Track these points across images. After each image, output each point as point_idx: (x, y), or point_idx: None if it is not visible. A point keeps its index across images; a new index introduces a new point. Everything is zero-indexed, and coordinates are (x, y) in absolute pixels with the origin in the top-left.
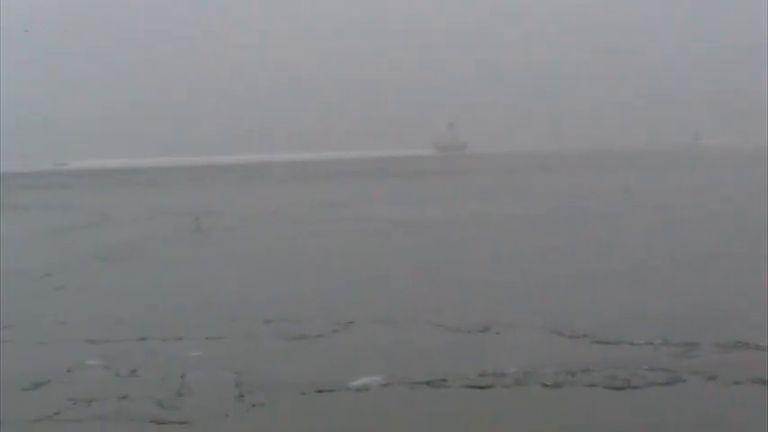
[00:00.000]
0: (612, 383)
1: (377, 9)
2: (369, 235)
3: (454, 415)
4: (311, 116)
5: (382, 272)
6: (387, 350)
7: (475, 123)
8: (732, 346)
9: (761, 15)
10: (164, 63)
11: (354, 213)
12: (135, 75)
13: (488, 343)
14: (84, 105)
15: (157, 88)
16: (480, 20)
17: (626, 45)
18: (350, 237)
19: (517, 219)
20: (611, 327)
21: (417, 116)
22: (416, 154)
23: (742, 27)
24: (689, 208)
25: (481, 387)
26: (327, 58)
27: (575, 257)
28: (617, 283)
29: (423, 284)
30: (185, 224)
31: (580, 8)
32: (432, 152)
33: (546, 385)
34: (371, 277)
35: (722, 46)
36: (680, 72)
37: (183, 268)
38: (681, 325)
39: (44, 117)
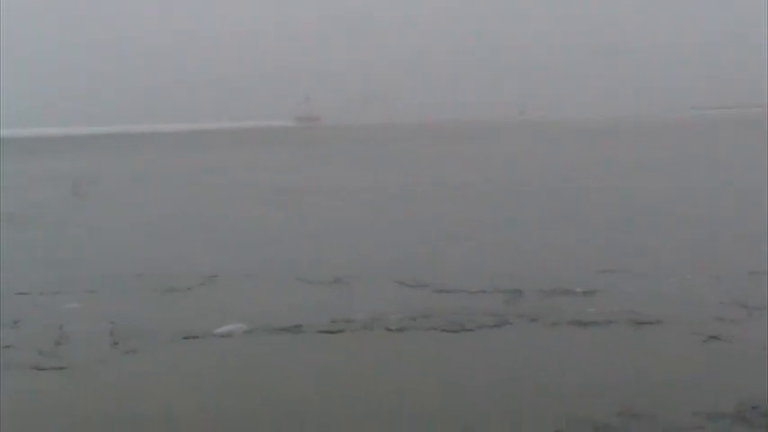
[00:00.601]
0: (449, 327)
1: None
2: (237, 198)
3: (310, 357)
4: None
5: (248, 231)
6: (249, 301)
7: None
8: (551, 293)
9: None
10: (49, 31)
11: (224, 179)
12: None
13: (340, 293)
14: None
15: (42, 59)
16: None
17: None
18: (219, 199)
19: (371, 190)
20: (449, 278)
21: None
22: (278, 125)
23: None
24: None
25: (332, 332)
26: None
27: (421, 222)
28: (455, 241)
29: (283, 243)
30: (65, 189)
31: None
32: (291, 123)
33: (390, 329)
34: (237, 236)
35: None
36: None
37: (62, 230)
38: (509, 275)
39: None
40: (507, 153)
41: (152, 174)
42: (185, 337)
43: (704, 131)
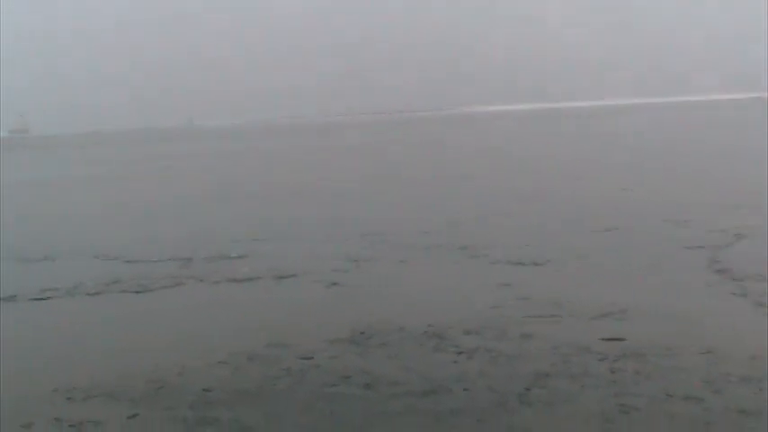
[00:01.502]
0: (136, 289)
1: None
2: None
3: (25, 320)
4: None
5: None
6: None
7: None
8: (214, 258)
9: None
10: None
11: None
12: None
13: (49, 268)
14: None
15: None
16: None
17: None
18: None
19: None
20: (137, 251)
21: None
22: None
23: None
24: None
25: (42, 299)
26: None
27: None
28: (145, 221)
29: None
30: None
31: None
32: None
33: (89, 294)
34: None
35: None
36: None
37: None
38: (183, 246)
39: None
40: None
41: None
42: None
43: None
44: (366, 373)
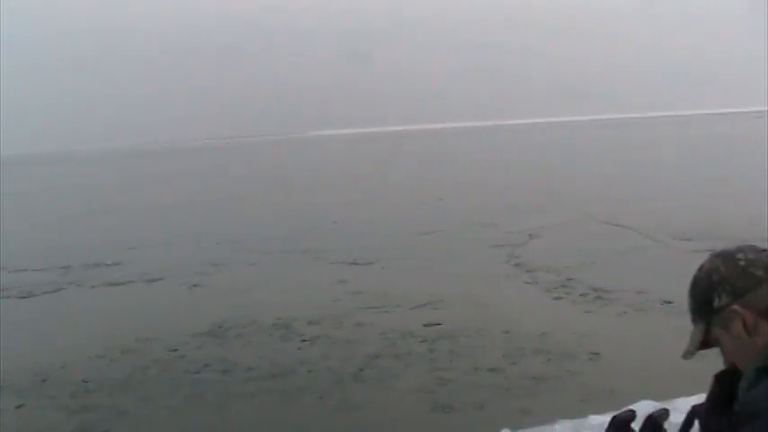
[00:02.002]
0: (21, 295)
1: None
2: None
3: None
4: None
5: None
6: None
7: None
8: (91, 266)
9: None
10: None
11: None
12: None
13: None
14: None
15: None
16: None
17: None
18: None
19: None
20: (20, 260)
21: None
22: None
23: None
24: None
25: None
26: None
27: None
28: (30, 235)
29: None
30: None
31: None
32: None
33: None
34: None
35: None
36: None
37: None
38: (57, 255)
39: None
40: None
41: None
42: None
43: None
44: (224, 361)
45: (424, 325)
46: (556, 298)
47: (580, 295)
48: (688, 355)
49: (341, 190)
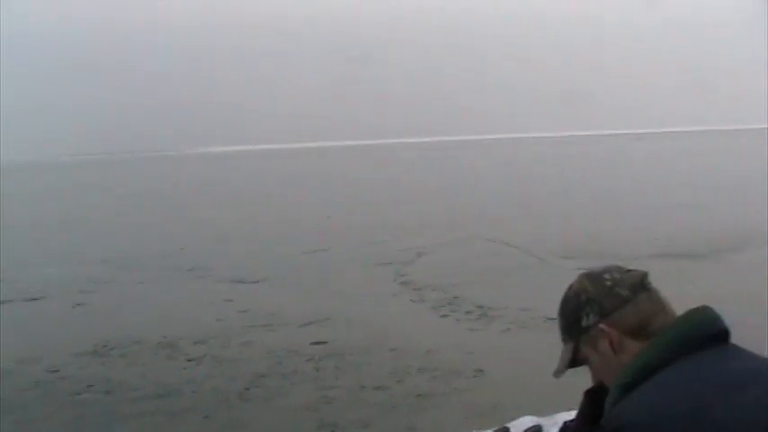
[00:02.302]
0: None
1: None
2: None
3: None
4: None
5: None
6: None
7: None
8: None
9: None
10: None
11: None
12: None
13: None
14: None
15: None
16: None
17: None
18: None
19: None
20: None
21: None
22: None
23: None
24: None
25: None
26: None
27: None
28: None
29: None
30: None
31: None
32: None
33: None
34: None
35: None
36: None
37: None
38: None
39: None
40: None
41: None
42: None
43: None
44: (108, 381)
45: (311, 343)
46: (442, 316)
47: (466, 313)
48: (558, 373)
49: (228, 207)
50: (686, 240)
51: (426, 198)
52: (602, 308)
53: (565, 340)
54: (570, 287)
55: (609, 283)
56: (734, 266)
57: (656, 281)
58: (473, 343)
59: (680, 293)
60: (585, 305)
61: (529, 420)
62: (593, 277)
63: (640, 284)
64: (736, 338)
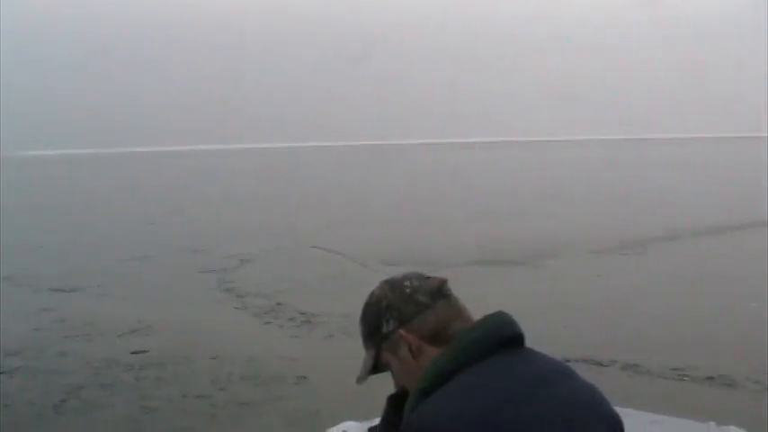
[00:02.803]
0: None
1: None
2: None
3: None
4: None
5: None
6: None
7: None
8: None
9: None
10: None
11: None
12: None
13: None
14: None
15: None
16: None
17: None
18: None
19: None
20: None
21: None
22: None
23: None
24: None
25: None
26: None
27: None
28: None
29: None
30: None
31: None
32: None
33: None
34: None
35: None
36: None
37: None
38: None
39: None
40: None
41: None
42: None
43: None
44: None
45: (131, 353)
46: (265, 323)
47: (289, 319)
48: (360, 380)
49: (45, 212)
50: (509, 246)
51: (256, 205)
52: (401, 314)
53: (366, 347)
54: (371, 294)
55: (408, 290)
56: (548, 272)
57: (473, 286)
58: (296, 350)
59: (493, 299)
60: (386, 312)
61: (351, 425)
62: (393, 284)
63: (438, 291)
64: (540, 341)
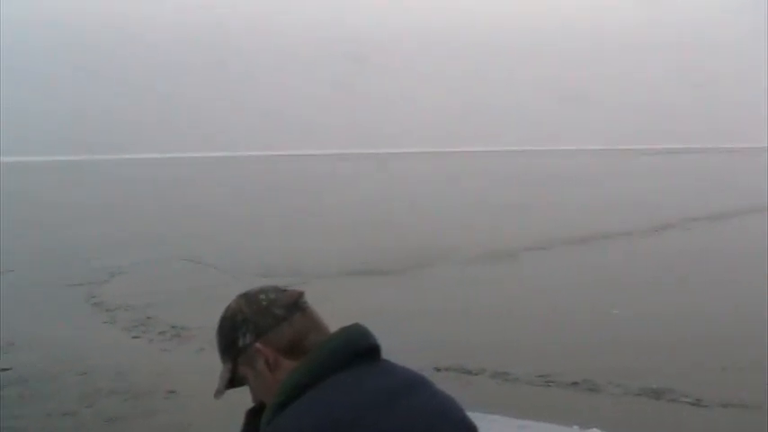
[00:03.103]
0: None
1: None
2: None
3: None
4: None
5: None
6: None
7: None
8: None
9: None
10: None
11: None
12: None
13: None
14: None
15: None
16: None
17: None
18: None
19: None
20: None
21: None
22: None
23: None
24: None
25: None
26: None
27: None
28: None
29: None
30: None
31: None
32: None
33: None
34: None
35: None
36: None
37: None
38: None
39: None
40: None
41: None
42: None
43: None
44: None
45: None
46: (134, 336)
47: (159, 333)
48: (218, 394)
49: None
50: (383, 257)
51: (128, 216)
52: (257, 327)
53: (224, 360)
54: (227, 308)
55: (264, 303)
56: (420, 282)
57: (346, 297)
58: (166, 363)
59: (363, 309)
60: (242, 325)
61: None
62: (248, 297)
63: (295, 304)
64: (409, 350)
